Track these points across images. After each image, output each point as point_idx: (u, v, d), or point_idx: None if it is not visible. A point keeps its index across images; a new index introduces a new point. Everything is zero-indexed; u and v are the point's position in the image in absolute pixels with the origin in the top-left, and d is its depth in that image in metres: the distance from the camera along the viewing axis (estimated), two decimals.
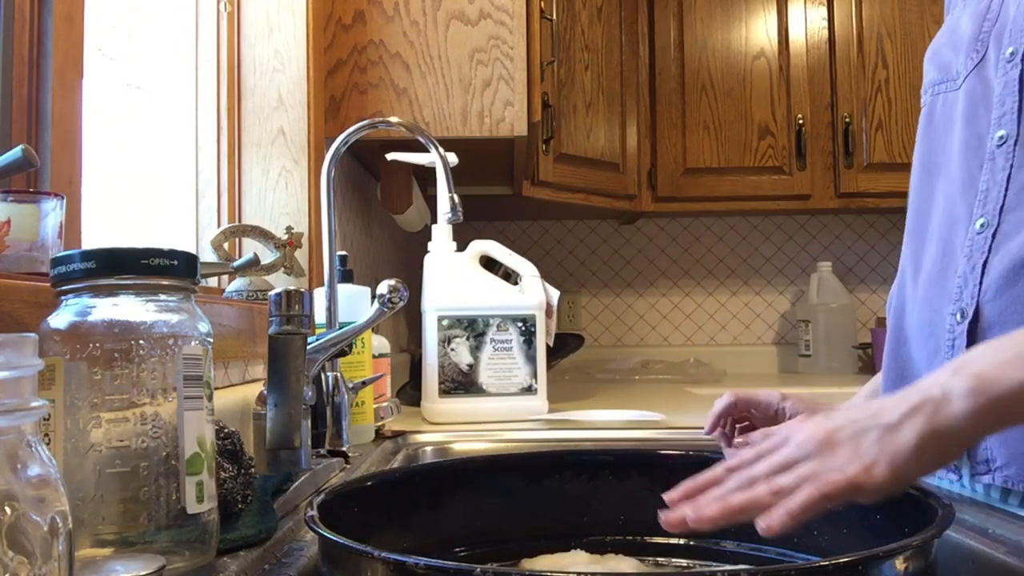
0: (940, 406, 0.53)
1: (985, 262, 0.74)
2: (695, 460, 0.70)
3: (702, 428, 1.05)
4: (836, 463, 0.52)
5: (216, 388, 0.61)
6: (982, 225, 0.76)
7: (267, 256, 1.35)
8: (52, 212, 0.74)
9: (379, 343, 1.29)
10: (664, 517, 0.54)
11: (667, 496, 0.56)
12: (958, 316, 0.76)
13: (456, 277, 1.45)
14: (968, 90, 0.81)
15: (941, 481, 0.81)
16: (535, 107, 1.73)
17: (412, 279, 1.91)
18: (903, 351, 0.86)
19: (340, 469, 0.93)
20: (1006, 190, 0.74)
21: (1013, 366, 0.54)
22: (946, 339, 0.77)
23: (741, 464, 0.56)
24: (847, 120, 2.50)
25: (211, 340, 0.55)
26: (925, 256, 0.84)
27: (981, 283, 0.74)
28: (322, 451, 0.95)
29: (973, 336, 0.74)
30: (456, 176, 1.17)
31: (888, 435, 0.52)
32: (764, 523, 0.50)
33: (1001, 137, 0.75)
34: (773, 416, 0.92)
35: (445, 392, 1.40)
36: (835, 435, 0.54)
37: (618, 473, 0.70)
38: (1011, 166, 0.74)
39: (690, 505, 0.54)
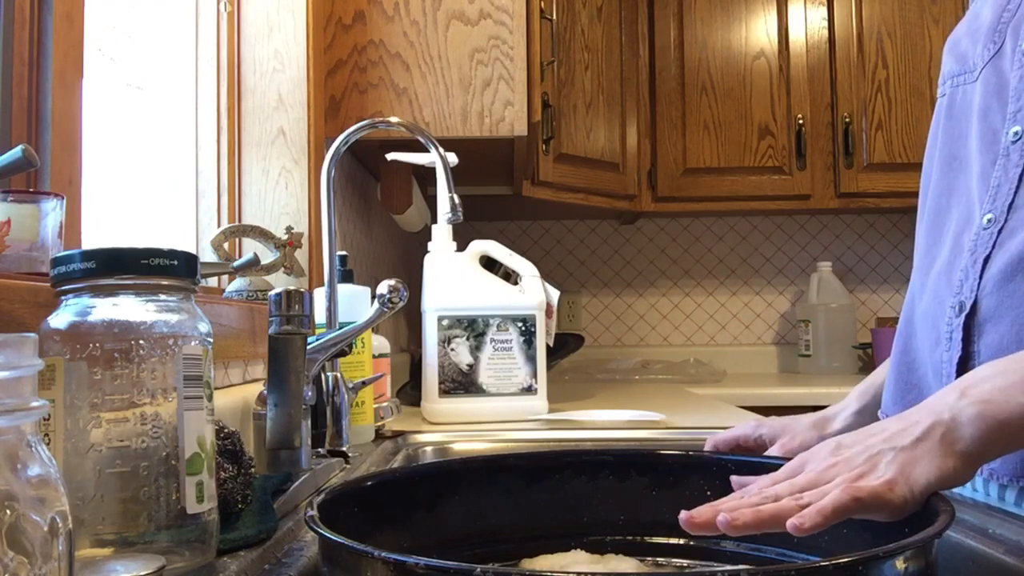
0: (950, 430, 0.54)
1: (988, 257, 0.74)
2: (695, 460, 0.70)
3: (702, 428, 1.04)
4: (857, 478, 0.53)
5: (216, 388, 0.61)
6: (989, 221, 0.75)
7: (267, 256, 1.35)
8: (52, 212, 0.74)
9: (379, 343, 1.29)
10: (688, 515, 0.52)
11: (685, 512, 0.53)
12: (956, 309, 0.76)
13: (456, 277, 1.45)
14: (984, 82, 0.80)
15: None
16: (535, 107, 1.73)
17: (412, 279, 1.91)
18: (910, 341, 0.86)
19: (340, 469, 0.93)
20: (1017, 187, 0.73)
21: (1020, 389, 0.55)
22: (945, 331, 0.77)
23: (760, 490, 0.56)
24: (847, 120, 2.50)
25: (211, 340, 0.55)
26: (940, 250, 0.83)
27: (981, 278, 0.74)
28: (322, 451, 0.95)
29: (969, 330, 0.74)
30: (456, 176, 1.17)
31: (903, 457, 0.53)
32: (796, 521, 0.49)
33: (1016, 133, 0.74)
34: (753, 446, 0.92)
35: (445, 392, 1.40)
36: (852, 460, 0.54)
37: (618, 473, 0.70)
38: None
39: (722, 509, 0.52)
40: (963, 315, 0.75)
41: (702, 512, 0.52)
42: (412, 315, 2.23)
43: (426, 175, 1.96)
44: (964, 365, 0.75)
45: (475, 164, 1.83)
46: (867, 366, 2.68)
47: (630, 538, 0.68)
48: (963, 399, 0.55)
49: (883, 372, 0.92)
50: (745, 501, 0.54)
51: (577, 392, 1.98)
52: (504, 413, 1.40)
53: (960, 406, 0.55)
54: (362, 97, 1.60)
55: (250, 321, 1.09)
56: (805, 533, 0.49)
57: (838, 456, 0.56)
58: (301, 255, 1.43)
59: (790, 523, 0.49)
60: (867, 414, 0.91)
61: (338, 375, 1.00)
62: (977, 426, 0.54)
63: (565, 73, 2.07)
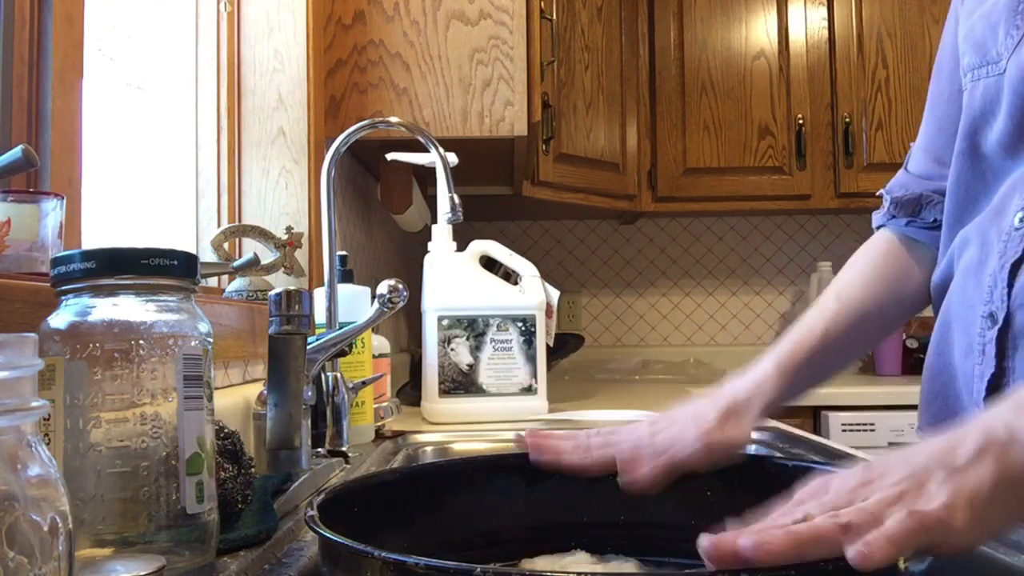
0: (1008, 448, 0.45)
1: (1016, 263, 0.68)
2: None
3: None
4: (904, 503, 0.43)
5: (216, 388, 0.61)
6: (1021, 220, 0.68)
7: (267, 256, 1.35)
8: (52, 212, 0.74)
9: (379, 343, 1.29)
10: (708, 542, 0.42)
11: (707, 539, 0.43)
12: (988, 320, 0.71)
13: (456, 277, 1.45)
14: (1012, 76, 0.71)
15: None
16: (535, 107, 1.73)
17: (412, 279, 1.91)
18: (947, 335, 0.79)
19: (340, 469, 0.93)
20: None
21: None
22: (977, 343, 0.72)
23: (780, 515, 0.46)
24: (847, 120, 2.50)
25: (211, 340, 0.55)
26: (969, 240, 0.76)
27: (1011, 287, 0.68)
28: (322, 451, 0.95)
29: (1003, 343, 0.69)
30: (456, 176, 1.17)
31: (958, 477, 0.44)
32: (864, 549, 0.39)
33: None
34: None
35: (445, 392, 1.40)
36: (891, 477, 0.45)
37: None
38: None
39: (745, 533, 0.42)
40: (995, 328, 0.69)
41: (724, 538, 0.42)
42: (412, 315, 2.23)
43: (426, 175, 1.96)
44: (997, 381, 0.70)
45: (475, 164, 1.82)
46: (867, 366, 2.68)
47: (630, 538, 0.68)
48: (1020, 415, 0.47)
49: (809, 336, 0.82)
50: (770, 525, 0.44)
51: (577, 392, 1.98)
52: (504, 413, 1.40)
53: (1018, 423, 0.46)
54: (362, 97, 1.60)
55: (250, 321, 1.09)
56: (874, 565, 0.39)
57: (870, 473, 0.46)
58: (301, 255, 1.43)
59: (854, 551, 0.39)
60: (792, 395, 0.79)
61: (338, 375, 1.00)
62: None
63: (565, 73, 2.07)
